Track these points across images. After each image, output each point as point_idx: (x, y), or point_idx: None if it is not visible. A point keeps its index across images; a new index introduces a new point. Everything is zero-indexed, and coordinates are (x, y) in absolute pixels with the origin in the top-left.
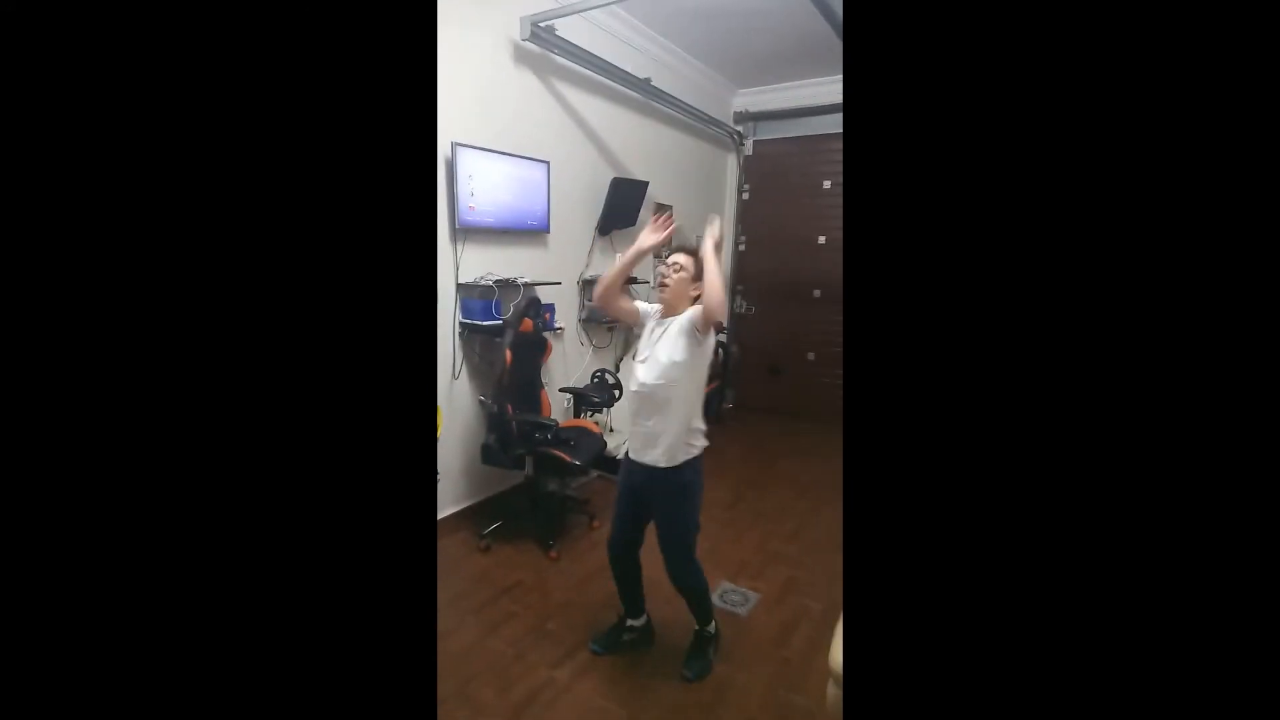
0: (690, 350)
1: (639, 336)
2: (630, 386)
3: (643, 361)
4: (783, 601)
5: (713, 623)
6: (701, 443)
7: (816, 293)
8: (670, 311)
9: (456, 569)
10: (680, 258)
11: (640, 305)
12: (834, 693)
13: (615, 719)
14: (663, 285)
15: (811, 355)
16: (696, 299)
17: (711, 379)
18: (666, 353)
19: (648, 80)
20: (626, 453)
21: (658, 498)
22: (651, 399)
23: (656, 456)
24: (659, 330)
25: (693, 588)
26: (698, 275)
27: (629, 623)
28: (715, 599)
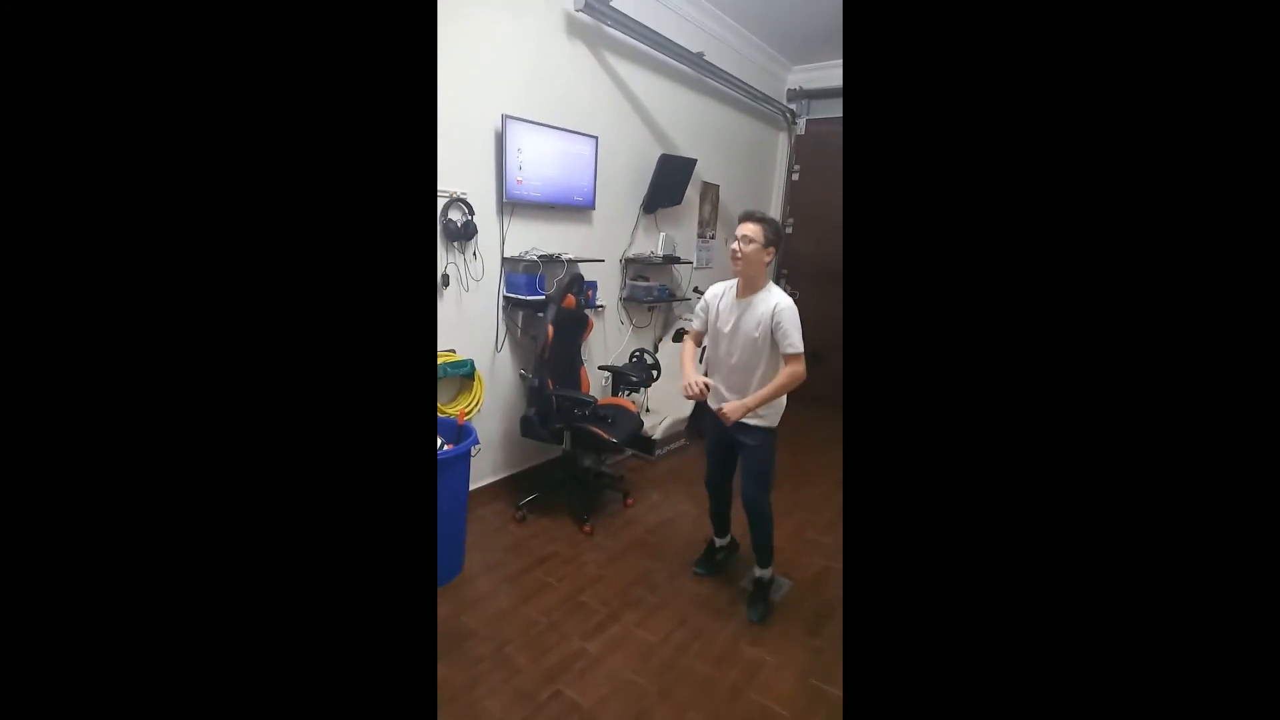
0: (771, 346)
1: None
2: (718, 354)
3: (728, 336)
4: (817, 592)
5: (771, 567)
6: (782, 407)
7: None
8: (749, 285)
9: (493, 538)
10: (748, 228)
11: (705, 301)
12: None
13: (645, 693)
14: (735, 259)
15: None
16: (768, 264)
17: None
18: (753, 335)
19: (700, 55)
20: (709, 406)
21: (749, 445)
22: (741, 372)
23: (755, 419)
24: (742, 309)
25: (763, 515)
26: (768, 242)
27: (718, 543)
28: (747, 583)
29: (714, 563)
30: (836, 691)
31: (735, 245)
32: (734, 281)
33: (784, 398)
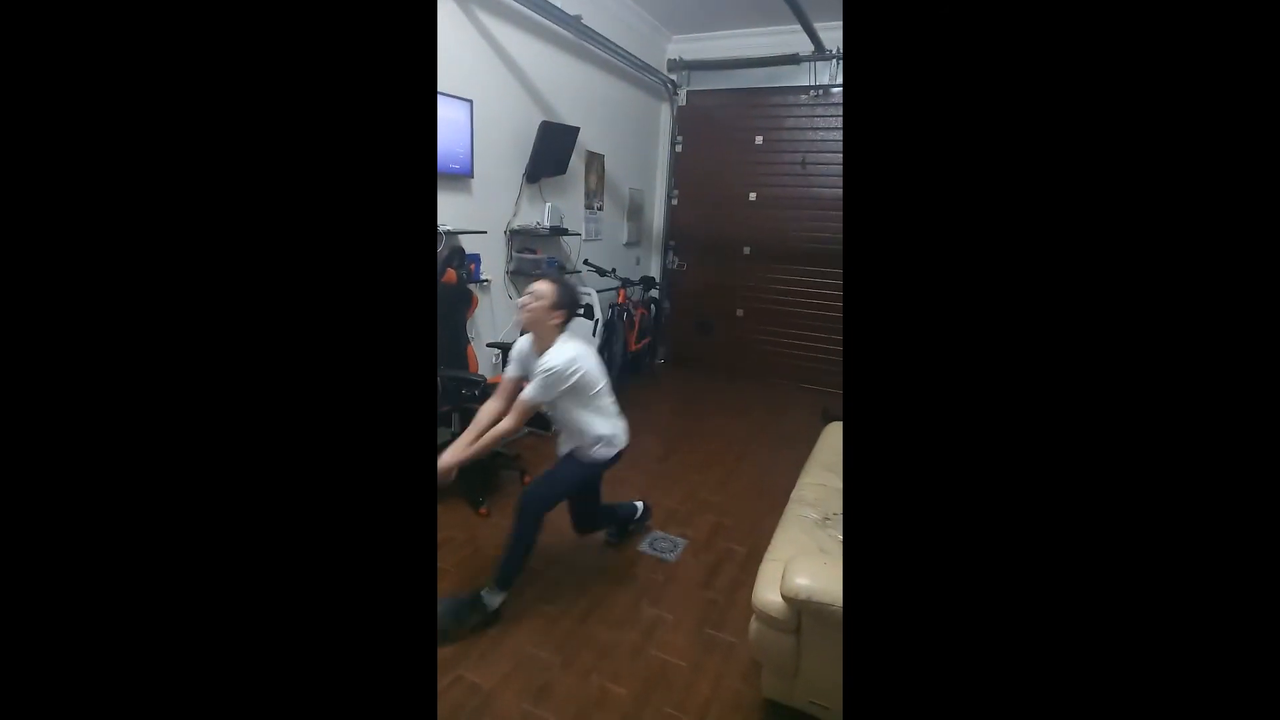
0: (564, 397)
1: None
2: None
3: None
4: (709, 546)
5: (502, 594)
6: (606, 453)
7: (746, 250)
8: (538, 341)
9: None
10: (541, 286)
11: (514, 354)
12: (755, 627)
13: (548, 665)
14: (522, 309)
15: (740, 312)
16: (555, 326)
17: (643, 335)
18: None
19: (578, 18)
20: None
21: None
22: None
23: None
24: (536, 363)
25: (525, 522)
26: (555, 305)
27: (631, 528)
28: (645, 546)
29: (626, 532)
30: (729, 638)
31: (525, 298)
32: (529, 337)
33: (606, 445)
